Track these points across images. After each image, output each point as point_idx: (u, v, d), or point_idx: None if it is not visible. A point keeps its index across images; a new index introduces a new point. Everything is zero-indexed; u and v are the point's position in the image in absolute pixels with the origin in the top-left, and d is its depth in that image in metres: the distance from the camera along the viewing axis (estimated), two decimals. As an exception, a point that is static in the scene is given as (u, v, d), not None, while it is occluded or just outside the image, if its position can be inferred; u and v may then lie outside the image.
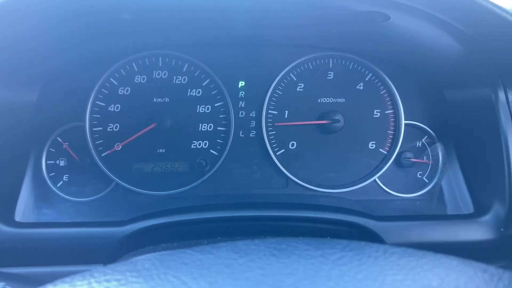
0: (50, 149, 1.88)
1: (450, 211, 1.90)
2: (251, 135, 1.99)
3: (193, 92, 1.96)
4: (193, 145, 1.96)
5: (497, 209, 1.63)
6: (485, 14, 1.36)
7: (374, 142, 2.01)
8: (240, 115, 1.99)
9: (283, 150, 1.99)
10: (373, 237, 1.57)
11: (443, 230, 1.62)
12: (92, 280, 0.72)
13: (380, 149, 2.01)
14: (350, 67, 2.00)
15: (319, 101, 1.99)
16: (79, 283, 0.72)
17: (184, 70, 1.95)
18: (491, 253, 1.60)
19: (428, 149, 2.02)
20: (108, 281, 0.71)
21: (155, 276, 0.71)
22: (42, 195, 1.83)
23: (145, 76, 1.93)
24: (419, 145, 2.03)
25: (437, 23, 1.48)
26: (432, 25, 1.51)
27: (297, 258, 0.75)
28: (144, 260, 0.77)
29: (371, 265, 0.75)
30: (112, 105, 1.91)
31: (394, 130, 2.00)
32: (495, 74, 1.61)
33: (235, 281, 0.70)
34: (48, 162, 1.87)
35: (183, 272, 0.71)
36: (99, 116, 1.90)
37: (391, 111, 2.00)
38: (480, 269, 0.77)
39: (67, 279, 0.75)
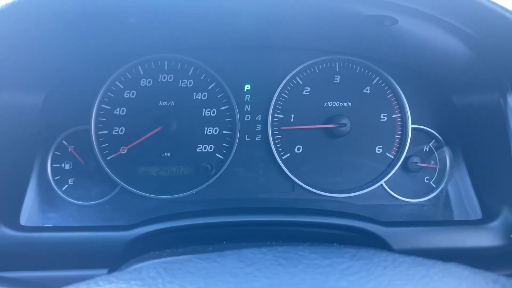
0: (56, 152, 1.87)
1: (457, 216, 1.88)
2: (256, 139, 1.98)
3: (198, 96, 1.95)
4: (199, 149, 1.95)
5: (505, 215, 1.60)
6: (494, 19, 1.35)
7: (381, 146, 1.99)
8: (245, 119, 1.98)
9: (289, 154, 1.98)
10: (380, 243, 1.56)
11: (451, 236, 1.60)
12: (97, 288, 0.71)
13: (387, 154, 1.99)
14: (357, 71, 1.98)
15: (325, 105, 1.98)
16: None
17: (189, 73, 1.94)
18: (499, 260, 1.58)
19: (436, 153, 2.01)
20: (112, 289, 0.70)
21: (160, 285, 0.70)
22: (47, 198, 1.83)
23: (150, 80, 1.92)
24: (426, 150, 2.01)
25: (446, 27, 1.47)
26: (440, 29, 1.49)
27: (304, 268, 0.74)
28: (149, 268, 0.76)
29: (380, 275, 0.74)
30: (118, 109, 1.91)
31: (401, 135, 1.99)
32: (504, 78, 1.59)
33: (241, 291, 0.69)
34: (54, 165, 1.87)
35: (189, 281, 0.70)
36: (104, 119, 1.90)
37: (398, 115, 1.99)
38: (491, 279, 0.76)
39: (71, 287, 0.74)
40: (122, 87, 1.91)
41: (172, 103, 1.93)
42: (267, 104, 1.96)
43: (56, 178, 1.87)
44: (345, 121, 1.94)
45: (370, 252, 0.81)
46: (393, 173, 1.97)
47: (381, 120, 1.99)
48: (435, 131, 1.99)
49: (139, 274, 0.74)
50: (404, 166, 1.98)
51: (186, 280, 0.71)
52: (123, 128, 1.91)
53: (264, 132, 1.97)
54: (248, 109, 1.98)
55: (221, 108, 1.96)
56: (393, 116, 1.99)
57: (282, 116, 1.98)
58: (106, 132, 1.90)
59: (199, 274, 0.73)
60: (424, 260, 0.80)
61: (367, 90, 1.99)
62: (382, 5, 1.40)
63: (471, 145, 1.87)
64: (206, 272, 0.73)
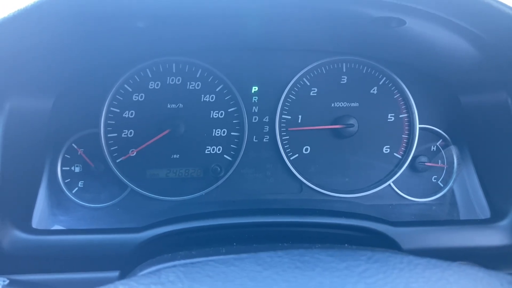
0: (66, 155, 1.88)
1: (465, 215, 1.88)
2: (264, 140, 1.99)
3: (206, 98, 1.96)
4: (207, 151, 1.96)
5: (514, 214, 1.61)
6: (502, 19, 1.35)
7: (389, 146, 2.00)
8: (253, 120, 1.98)
9: (297, 155, 1.99)
10: (389, 243, 1.56)
11: (460, 236, 1.61)
12: (117, 293, 0.72)
13: (395, 154, 2.00)
14: (364, 71, 1.99)
15: (332, 105, 1.98)
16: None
17: (197, 75, 1.95)
18: (508, 259, 1.58)
19: (443, 153, 2.01)
20: (133, 294, 0.71)
21: (180, 289, 0.71)
22: (58, 201, 1.84)
23: (159, 82, 1.93)
24: (433, 149, 2.02)
25: (453, 27, 1.46)
26: (447, 30, 1.49)
27: (322, 271, 0.75)
28: (168, 272, 0.76)
29: (396, 277, 0.75)
30: (127, 112, 1.91)
31: (409, 134, 1.99)
32: (511, 78, 1.59)
33: (260, 294, 0.69)
34: (64, 168, 1.88)
35: (208, 285, 0.71)
36: (113, 122, 1.91)
37: (405, 115, 1.99)
38: (506, 281, 0.76)
39: (91, 291, 0.76)
40: (130, 90, 1.91)
41: (180, 105, 1.94)
42: (274, 105, 1.97)
43: (66, 181, 1.88)
44: (352, 121, 1.94)
45: (386, 254, 0.82)
46: (401, 173, 1.98)
47: (388, 120, 1.99)
48: (442, 131, 2.00)
49: (159, 278, 0.75)
50: (412, 165, 1.99)
51: (205, 284, 0.72)
52: (132, 131, 1.92)
53: (272, 133, 1.98)
54: (256, 111, 1.98)
55: (229, 110, 1.97)
56: (400, 116, 1.99)
57: (289, 117, 1.98)
58: (115, 135, 1.91)
59: (218, 278, 0.74)
60: (439, 261, 0.81)
61: (374, 90, 1.99)
62: (390, 7, 1.40)
63: (478, 144, 1.87)
64: (224, 276, 0.74)
